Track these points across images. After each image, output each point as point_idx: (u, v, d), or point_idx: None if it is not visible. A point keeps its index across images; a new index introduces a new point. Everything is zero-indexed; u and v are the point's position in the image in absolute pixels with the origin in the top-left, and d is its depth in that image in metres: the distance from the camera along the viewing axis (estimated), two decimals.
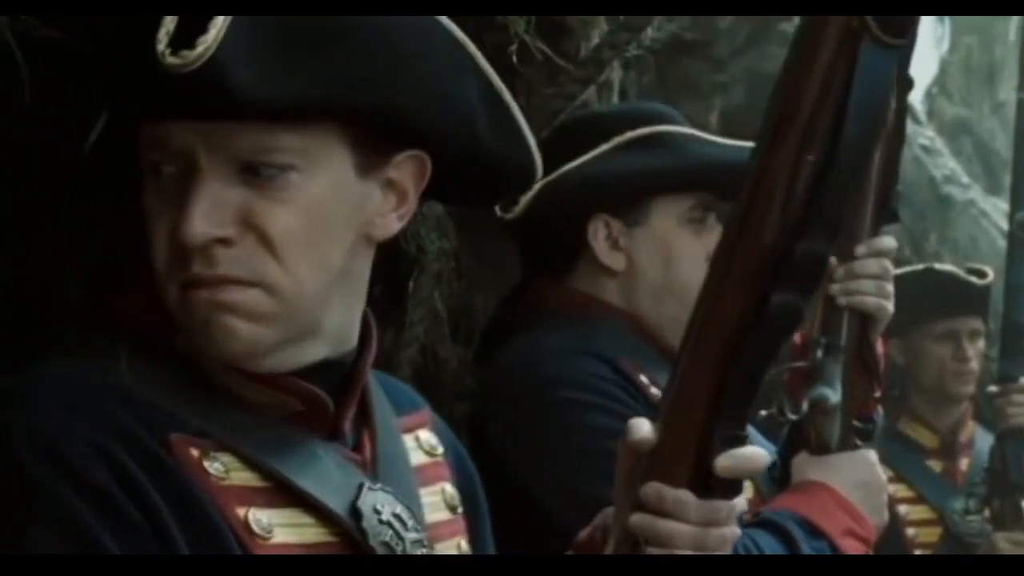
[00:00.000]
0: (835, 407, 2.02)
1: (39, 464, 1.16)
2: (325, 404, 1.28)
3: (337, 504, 1.24)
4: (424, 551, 1.28)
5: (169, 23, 1.13)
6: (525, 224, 2.08)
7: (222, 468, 1.22)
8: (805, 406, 2.05)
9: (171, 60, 1.12)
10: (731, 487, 1.17)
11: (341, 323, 1.29)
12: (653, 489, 1.17)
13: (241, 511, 1.21)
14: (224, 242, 1.20)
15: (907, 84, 2.07)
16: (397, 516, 1.27)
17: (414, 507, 1.29)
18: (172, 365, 1.26)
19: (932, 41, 6.56)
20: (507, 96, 1.31)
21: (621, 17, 2.69)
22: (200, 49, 1.11)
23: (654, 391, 2.03)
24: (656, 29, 3.28)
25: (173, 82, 1.14)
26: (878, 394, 2.06)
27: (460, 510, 1.38)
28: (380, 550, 1.24)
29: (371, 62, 1.21)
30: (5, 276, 2.34)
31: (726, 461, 1.15)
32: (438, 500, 1.36)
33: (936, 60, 6.78)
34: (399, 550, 1.25)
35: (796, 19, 3.93)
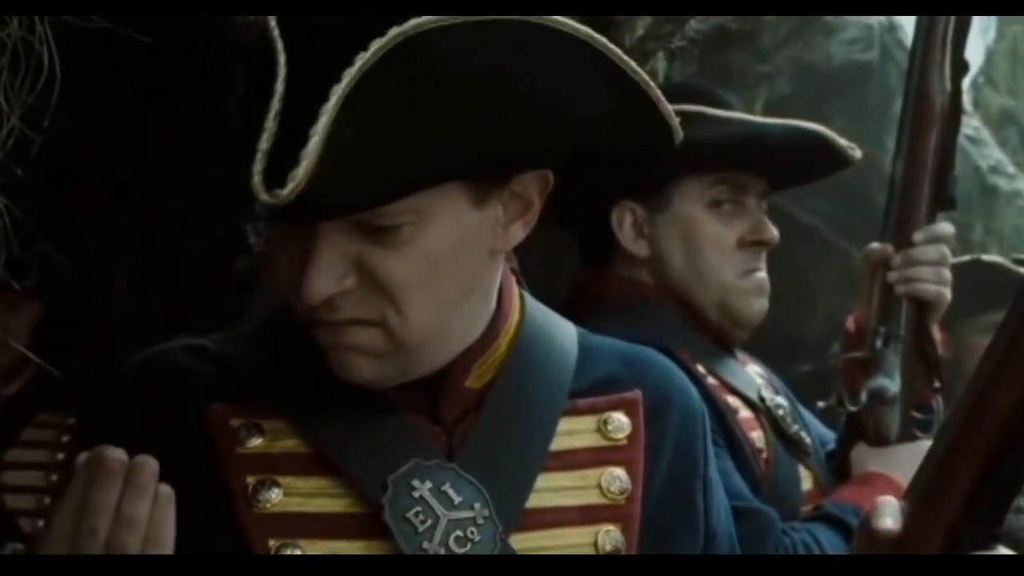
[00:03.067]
0: (894, 398, 2.00)
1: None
2: (419, 402, 1.30)
3: (372, 476, 1.26)
4: (475, 530, 1.26)
5: (261, 157, 1.13)
6: (559, 215, 2.08)
7: (258, 435, 1.27)
8: (864, 397, 2.03)
9: (265, 198, 1.12)
10: None
11: (467, 328, 1.31)
12: None
13: (251, 479, 1.25)
14: (343, 293, 1.22)
15: (963, 68, 2.04)
16: (442, 493, 1.27)
17: (501, 489, 1.28)
18: (282, 334, 1.31)
19: (978, 30, 6.50)
20: (635, 73, 1.24)
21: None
22: (291, 186, 1.10)
23: (711, 381, 2.02)
24: (700, 20, 3.26)
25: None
26: (937, 384, 2.04)
27: (624, 497, 1.35)
28: (398, 525, 1.24)
29: (479, 117, 1.18)
30: (59, 266, 2.36)
31: None
32: (585, 484, 1.34)
33: (982, 49, 6.72)
34: (424, 527, 1.25)
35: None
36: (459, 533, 1.26)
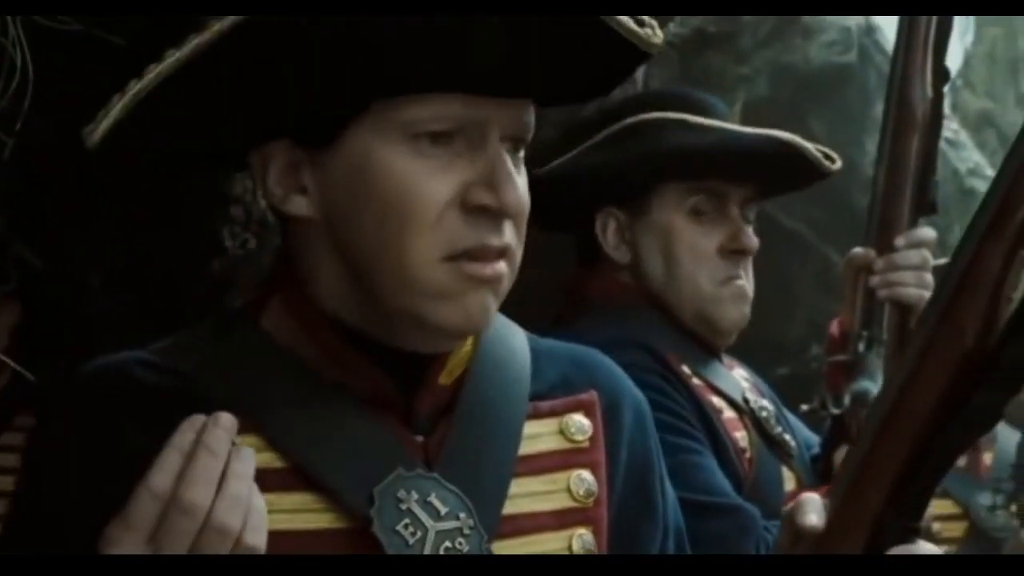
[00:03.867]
0: None
1: (35, 473, 1.23)
2: (388, 395, 1.27)
3: (356, 488, 1.23)
4: (462, 540, 1.25)
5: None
6: (546, 220, 2.07)
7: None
8: (847, 400, 2.04)
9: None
10: None
11: None
12: None
13: None
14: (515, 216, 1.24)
15: (944, 75, 2.06)
16: (428, 504, 1.24)
17: (481, 497, 1.27)
18: (241, 344, 1.28)
19: (956, 34, 6.53)
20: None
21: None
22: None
23: (696, 382, 2.02)
24: (679, 24, 3.26)
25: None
26: None
27: (592, 499, 1.35)
28: (388, 538, 1.22)
29: None
30: (35, 268, 2.34)
31: None
32: (555, 489, 1.34)
33: (960, 52, 6.76)
34: (414, 539, 1.23)
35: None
36: (448, 544, 1.24)
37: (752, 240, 2.11)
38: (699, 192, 2.08)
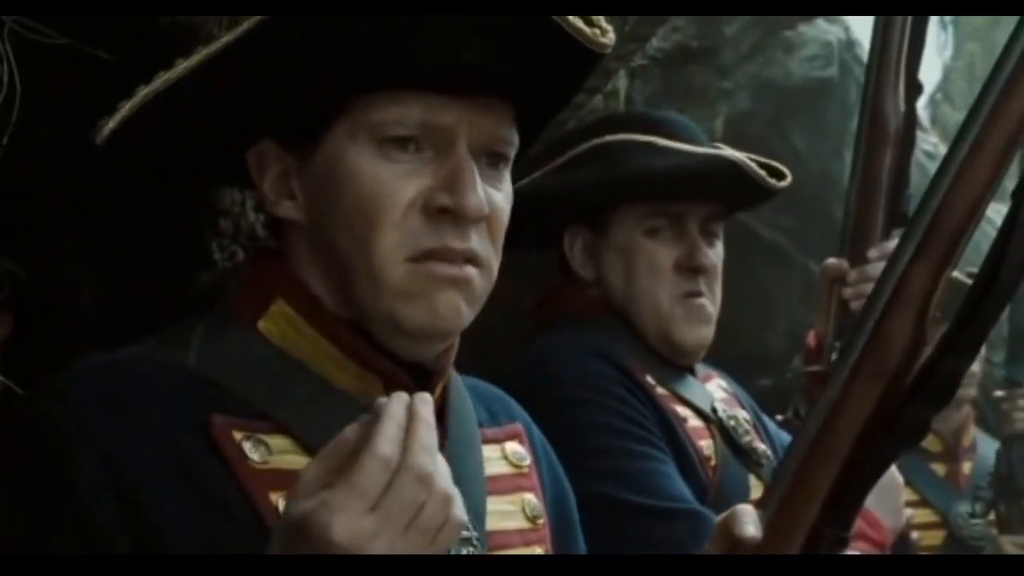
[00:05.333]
0: None
1: (52, 464, 1.18)
2: (406, 389, 1.26)
3: None
4: (472, 551, 1.27)
5: None
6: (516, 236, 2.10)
7: (266, 452, 1.23)
8: None
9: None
10: None
11: None
12: None
13: (275, 496, 1.21)
14: (477, 221, 1.26)
15: (917, 89, 2.09)
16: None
17: (473, 512, 1.28)
18: (250, 347, 1.29)
19: (935, 47, 6.57)
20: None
21: (626, 27, 2.71)
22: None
23: (660, 391, 2.05)
24: (661, 39, 3.29)
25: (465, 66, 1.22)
26: None
27: (542, 521, 1.38)
28: None
29: None
30: (22, 280, 2.35)
31: None
32: (514, 509, 1.37)
33: (939, 67, 6.79)
34: None
35: (799, 26, 3.94)
36: (464, 552, 1.27)
37: (707, 258, 2.14)
38: (656, 212, 2.13)
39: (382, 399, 1.15)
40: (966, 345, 1.12)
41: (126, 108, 1.26)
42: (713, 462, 2.05)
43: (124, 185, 2.02)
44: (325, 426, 1.23)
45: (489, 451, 1.38)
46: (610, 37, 1.28)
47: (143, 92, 1.26)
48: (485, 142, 1.28)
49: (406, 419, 1.11)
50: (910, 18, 2.04)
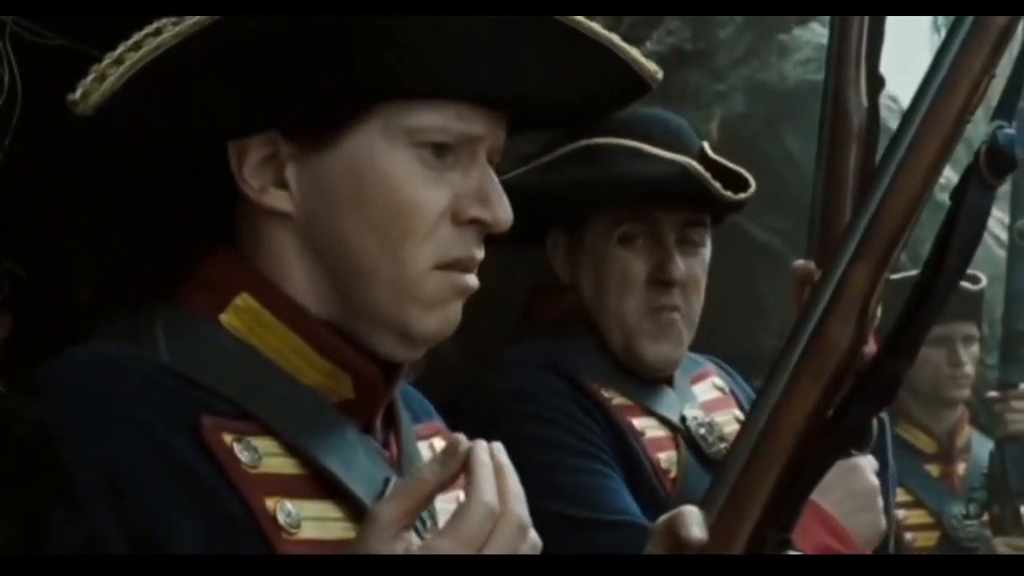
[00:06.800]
0: None
1: (41, 465, 1.13)
2: (377, 386, 1.27)
3: (365, 497, 1.22)
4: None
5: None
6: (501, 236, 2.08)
7: (255, 455, 1.19)
8: None
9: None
10: None
11: None
12: None
13: (270, 503, 1.18)
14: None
15: (879, 83, 2.00)
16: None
17: (430, 509, 1.26)
18: (219, 343, 1.24)
19: (927, 48, 6.59)
20: None
21: (621, 30, 2.73)
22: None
23: (617, 403, 2.02)
24: (655, 42, 3.31)
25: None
26: None
27: None
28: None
29: None
30: (23, 280, 2.37)
31: None
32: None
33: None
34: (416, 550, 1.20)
35: (794, 29, 3.96)
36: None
37: (680, 270, 2.07)
38: (628, 219, 2.07)
39: (464, 443, 1.15)
40: (907, 346, 1.13)
41: (114, 76, 1.18)
42: (672, 474, 2.00)
43: (124, 185, 2.04)
44: (303, 426, 1.22)
45: (423, 448, 1.36)
46: (660, 74, 1.31)
47: (132, 59, 1.18)
48: (493, 150, 1.29)
49: (490, 464, 1.14)
50: None
